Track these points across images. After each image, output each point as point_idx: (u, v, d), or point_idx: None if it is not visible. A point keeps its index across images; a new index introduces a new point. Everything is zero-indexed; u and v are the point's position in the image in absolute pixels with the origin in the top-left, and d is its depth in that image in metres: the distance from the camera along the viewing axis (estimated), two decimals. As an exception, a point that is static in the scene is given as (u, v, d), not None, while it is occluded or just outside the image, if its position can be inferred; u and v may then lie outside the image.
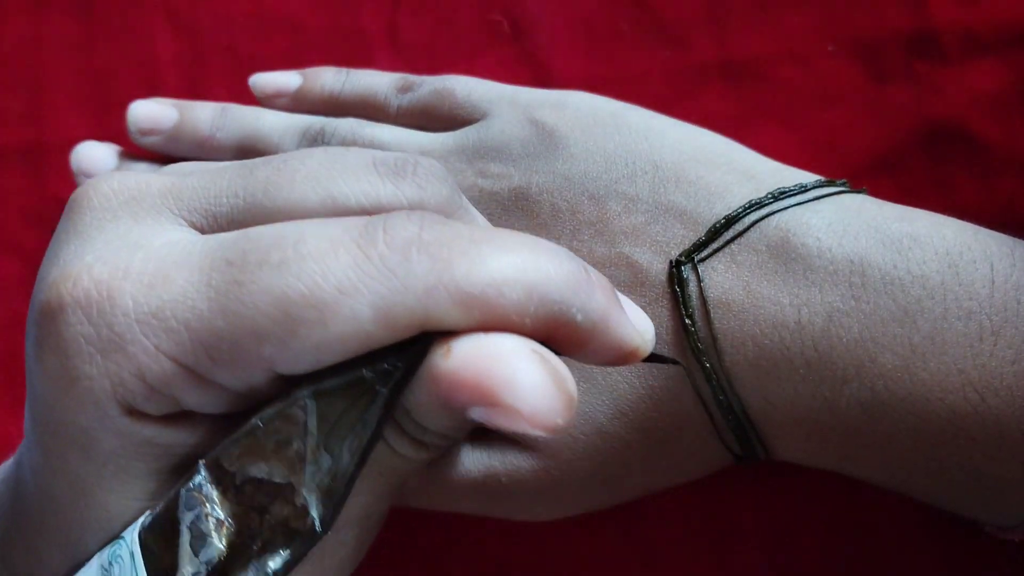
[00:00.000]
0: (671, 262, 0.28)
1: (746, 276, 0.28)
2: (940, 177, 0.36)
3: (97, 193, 0.24)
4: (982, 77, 0.36)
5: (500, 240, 0.21)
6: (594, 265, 0.29)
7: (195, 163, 0.30)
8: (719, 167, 0.30)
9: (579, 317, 0.21)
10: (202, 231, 0.23)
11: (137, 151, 0.36)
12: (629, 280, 0.29)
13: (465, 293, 0.20)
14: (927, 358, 0.25)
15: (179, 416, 0.22)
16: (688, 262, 0.28)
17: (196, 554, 0.21)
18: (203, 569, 0.21)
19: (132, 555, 0.22)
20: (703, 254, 0.28)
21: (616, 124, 0.31)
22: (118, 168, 0.35)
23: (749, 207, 0.28)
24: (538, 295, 0.21)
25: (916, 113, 0.36)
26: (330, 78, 0.36)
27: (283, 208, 0.23)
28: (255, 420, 0.21)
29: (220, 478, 0.21)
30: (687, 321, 0.27)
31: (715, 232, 0.28)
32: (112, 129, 0.37)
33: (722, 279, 0.28)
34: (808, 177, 0.30)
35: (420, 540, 0.34)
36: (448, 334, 0.21)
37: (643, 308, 0.28)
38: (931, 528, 0.32)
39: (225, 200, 0.23)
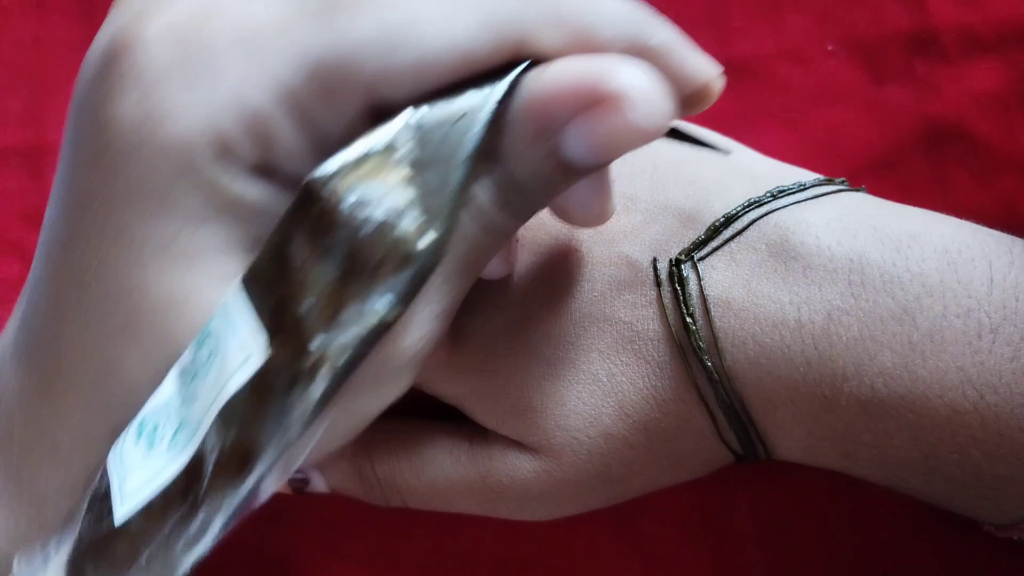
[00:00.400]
0: (671, 261, 0.28)
1: (746, 275, 0.27)
2: (939, 176, 0.36)
3: None
4: (982, 77, 0.36)
5: None
6: (592, 265, 0.29)
7: None
8: (717, 166, 0.30)
9: (654, 41, 0.22)
10: None
11: None
12: (629, 279, 0.29)
13: (557, 5, 0.21)
14: (926, 356, 0.25)
15: (267, 174, 0.21)
16: (688, 260, 0.28)
17: (311, 280, 0.20)
18: (319, 296, 0.20)
19: (230, 312, 0.20)
20: (702, 253, 0.28)
21: None
22: None
23: (748, 206, 0.28)
24: (618, 16, 0.21)
25: (916, 112, 0.36)
26: None
27: None
28: (360, 139, 0.20)
29: (329, 196, 0.20)
30: (688, 319, 0.27)
31: (714, 231, 0.28)
32: (112, 129, 0.37)
33: (722, 277, 0.28)
34: (807, 176, 0.30)
35: (420, 541, 0.34)
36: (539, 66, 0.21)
37: (643, 307, 0.28)
38: (929, 527, 0.32)
39: None
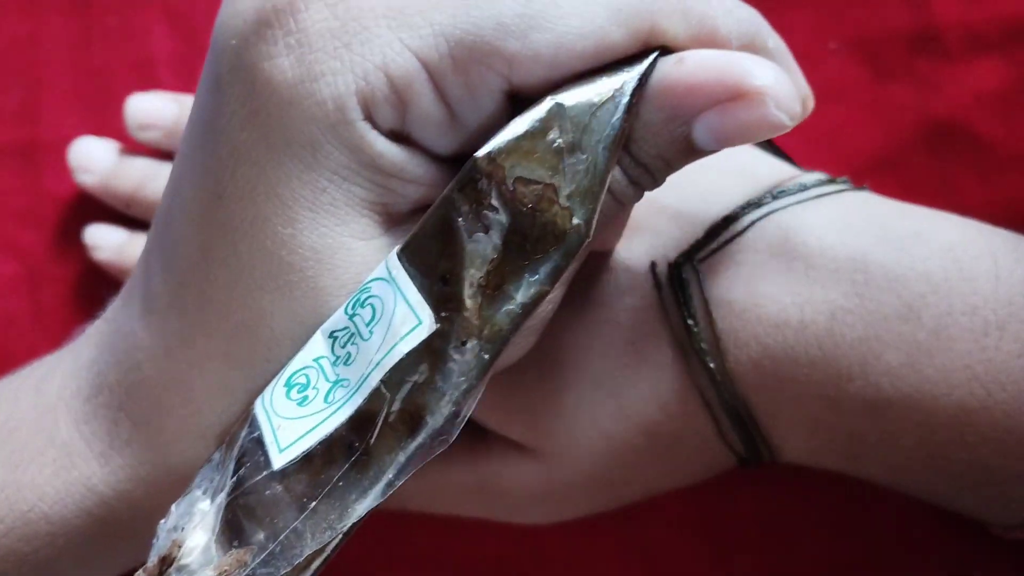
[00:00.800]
0: (670, 263, 0.28)
1: (747, 275, 0.27)
2: (942, 175, 0.36)
3: None
4: (985, 75, 0.36)
5: None
6: (593, 269, 0.29)
7: None
8: (716, 166, 0.30)
9: (771, 43, 0.24)
10: None
11: (135, 148, 0.36)
12: (629, 283, 0.28)
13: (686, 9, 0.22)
14: (932, 354, 0.25)
15: (402, 140, 0.23)
16: (687, 263, 0.28)
17: (475, 253, 0.22)
18: (482, 269, 0.21)
19: (392, 281, 0.22)
20: (702, 254, 0.28)
21: None
22: (117, 164, 0.35)
23: (747, 206, 0.28)
24: (738, 14, 0.23)
25: (918, 111, 0.36)
26: None
27: None
28: (514, 121, 0.22)
29: (492, 173, 0.22)
30: (689, 322, 0.27)
31: (713, 232, 0.28)
32: (108, 127, 0.37)
33: (723, 279, 0.28)
34: (808, 175, 0.30)
35: (419, 543, 0.34)
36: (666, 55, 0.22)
37: (644, 310, 0.28)
38: (933, 529, 0.32)
39: None
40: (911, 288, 0.26)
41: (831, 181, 0.29)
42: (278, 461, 0.22)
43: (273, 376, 0.23)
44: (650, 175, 0.24)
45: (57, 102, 0.38)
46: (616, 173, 0.23)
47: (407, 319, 0.22)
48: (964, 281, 0.26)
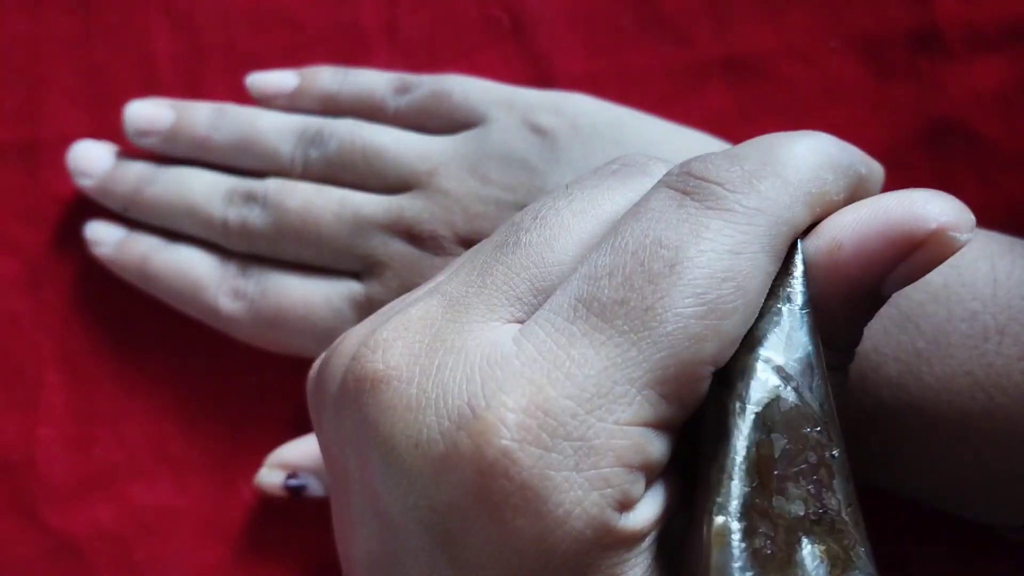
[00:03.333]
0: None
1: None
2: (942, 174, 0.36)
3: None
4: (985, 74, 0.36)
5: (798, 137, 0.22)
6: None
7: None
8: None
9: (863, 170, 0.23)
10: (521, 322, 0.21)
11: (134, 150, 0.36)
12: None
13: (805, 193, 0.21)
14: (932, 363, 0.25)
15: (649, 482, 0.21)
16: None
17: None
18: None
19: None
20: None
21: (614, 134, 0.31)
22: (114, 168, 0.35)
23: None
24: (834, 166, 0.22)
25: (919, 110, 0.36)
26: (327, 78, 0.35)
27: None
28: (759, 391, 0.20)
29: (763, 513, 0.20)
30: None
31: None
32: (109, 126, 0.37)
33: None
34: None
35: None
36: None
37: None
38: (935, 527, 0.32)
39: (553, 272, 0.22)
40: (909, 297, 0.26)
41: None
42: None
43: None
44: (845, 353, 0.23)
45: (57, 101, 0.38)
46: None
47: None
48: (963, 287, 0.26)
